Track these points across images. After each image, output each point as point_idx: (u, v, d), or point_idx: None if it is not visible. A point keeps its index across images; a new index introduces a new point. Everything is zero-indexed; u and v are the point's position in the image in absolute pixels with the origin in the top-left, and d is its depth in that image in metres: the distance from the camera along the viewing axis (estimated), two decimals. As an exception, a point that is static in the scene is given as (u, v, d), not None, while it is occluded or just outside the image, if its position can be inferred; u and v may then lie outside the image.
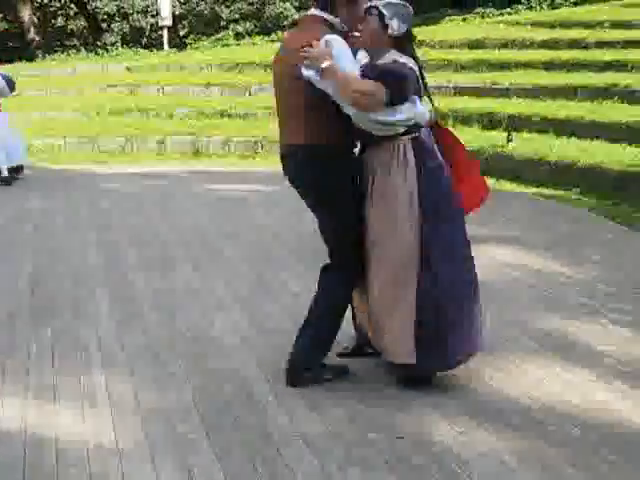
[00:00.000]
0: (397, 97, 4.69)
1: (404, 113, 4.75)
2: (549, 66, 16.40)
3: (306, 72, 4.66)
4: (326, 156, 4.87)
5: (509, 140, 12.49)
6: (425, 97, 5.06)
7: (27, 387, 4.96)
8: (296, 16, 31.09)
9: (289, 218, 9.28)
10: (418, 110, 4.84)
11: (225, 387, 4.90)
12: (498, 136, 13.05)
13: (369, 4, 4.84)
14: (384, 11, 4.76)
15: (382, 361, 5.08)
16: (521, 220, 9.31)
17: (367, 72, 4.72)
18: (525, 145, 12.39)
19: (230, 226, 9.21)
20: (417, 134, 4.90)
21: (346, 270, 5.06)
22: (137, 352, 5.50)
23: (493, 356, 5.28)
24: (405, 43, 4.90)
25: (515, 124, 13.37)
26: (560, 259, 7.58)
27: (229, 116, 17.39)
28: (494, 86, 15.88)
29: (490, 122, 14.07)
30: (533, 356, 5.29)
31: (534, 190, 11.14)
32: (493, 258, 7.65)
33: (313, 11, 4.95)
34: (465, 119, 14.50)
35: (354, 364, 5.17)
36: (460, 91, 16.30)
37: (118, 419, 4.51)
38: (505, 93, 15.50)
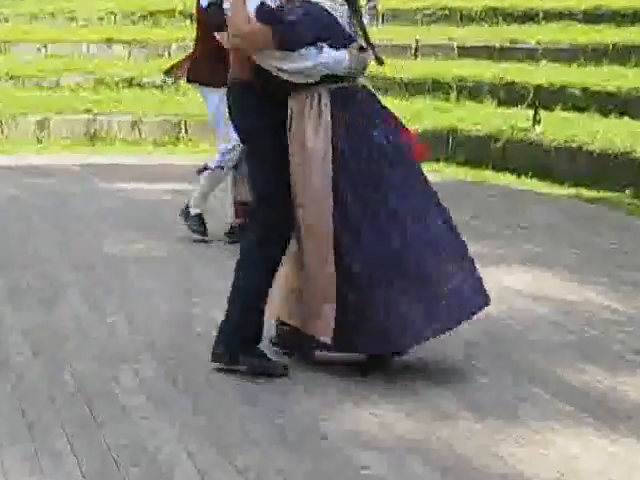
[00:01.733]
0: (285, 42, 5.75)
1: (308, 61, 5.80)
2: (591, 18, 16.51)
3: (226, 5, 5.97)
4: (242, 93, 6.08)
5: (536, 121, 12.57)
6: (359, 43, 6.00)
7: None
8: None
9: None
10: (325, 59, 5.81)
11: (130, 470, 4.90)
12: (520, 115, 13.15)
13: None
14: None
15: (355, 433, 5.14)
16: (547, 232, 9.40)
17: (259, 14, 5.80)
18: (558, 129, 12.48)
19: (144, 243, 9.24)
20: (340, 84, 5.93)
21: (258, 238, 6.11)
22: (6, 418, 5.49)
23: (510, 423, 5.33)
24: None
25: (544, 99, 13.46)
26: (600, 287, 7.65)
27: (140, 86, 17.35)
28: (514, 45, 15.97)
29: (509, 96, 14.16)
30: (564, 422, 5.33)
31: (570, 191, 11.24)
32: (505, 285, 7.72)
33: None
34: (474, 91, 14.60)
35: (314, 437, 5.21)
36: (467, 52, 16.38)
37: None
38: (531, 55, 15.59)
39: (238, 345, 6.12)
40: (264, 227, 6.08)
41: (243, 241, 6.45)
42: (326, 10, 5.81)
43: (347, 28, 5.93)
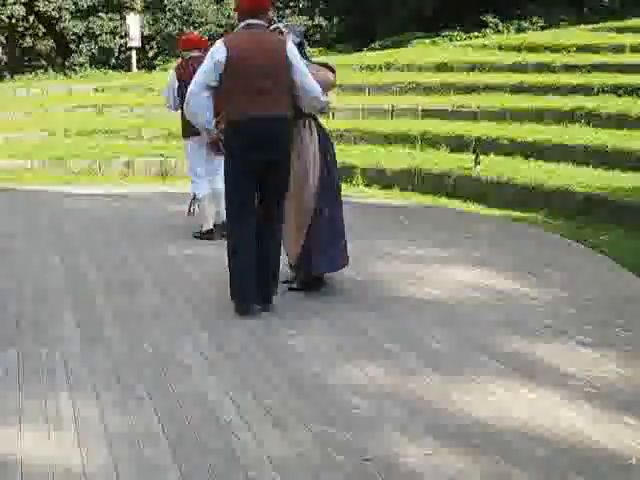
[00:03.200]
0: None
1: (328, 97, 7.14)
2: (516, 89, 16.57)
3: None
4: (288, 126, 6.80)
5: (477, 163, 12.57)
6: None
7: (-8, 410, 4.93)
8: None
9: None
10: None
11: (191, 411, 4.88)
12: (466, 159, 13.15)
13: (275, 26, 7.15)
14: (283, 29, 7.16)
15: (349, 385, 5.12)
16: (486, 242, 9.36)
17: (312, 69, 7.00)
18: (492, 168, 12.49)
19: (193, 249, 9.20)
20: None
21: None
22: (103, 375, 5.47)
23: (458, 378, 5.31)
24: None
25: (482, 147, 13.48)
26: (525, 281, 7.62)
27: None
28: (462, 109, 15.99)
29: (458, 145, 14.17)
30: (499, 378, 5.30)
31: (501, 213, 11.22)
32: (457, 280, 7.68)
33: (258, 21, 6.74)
34: (433, 142, 14.60)
35: (320, 387, 5.18)
36: (428, 114, 16.40)
37: (84, 443, 4.46)
38: (473, 116, 15.62)
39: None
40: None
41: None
42: None
43: None
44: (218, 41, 6.72)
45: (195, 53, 9.81)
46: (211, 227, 9.77)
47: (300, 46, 7.16)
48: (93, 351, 5.92)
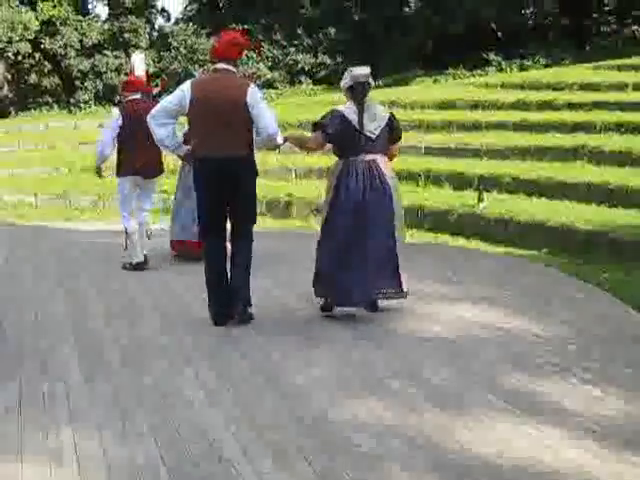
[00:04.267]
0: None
1: None
2: (519, 127, 16.64)
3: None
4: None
5: (480, 200, 12.60)
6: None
7: (-8, 443, 4.92)
8: (269, 76, 31.55)
9: (266, 280, 9.28)
10: None
11: (192, 443, 4.86)
12: (469, 196, 13.18)
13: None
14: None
15: (351, 419, 5.11)
16: (489, 279, 9.34)
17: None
18: (495, 205, 12.52)
19: (200, 281, 9.16)
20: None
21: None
22: (104, 407, 5.45)
23: (461, 414, 5.28)
24: (347, 95, 7.60)
25: (485, 184, 13.50)
26: (528, 317, 7.59)
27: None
28: (465, 146, 16.05)
29: (461, 182, 14.20)
30: (502, 414, 5.27)
31: (504, 250, 11.22)
32: (461, 316, 7.65)
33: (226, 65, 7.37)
34: (436, 179, 14.65)
35: (322, 421, 5.16)
36: (431, 151, 16.48)
37: (84, 477, 4.45)
38: (476, 154, 15.68)
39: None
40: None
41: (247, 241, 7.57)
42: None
43: None
44: (187, 81, 7.51)
45: (137, 96, 10.23)
46: (142, 259, 10.17)
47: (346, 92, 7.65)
48: (95, 384, 5.92)
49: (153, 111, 7.47)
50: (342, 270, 7.42)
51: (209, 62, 33.29)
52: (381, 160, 7.54)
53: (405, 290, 7.64)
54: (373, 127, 7.47)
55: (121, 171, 10.09)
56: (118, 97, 10.95)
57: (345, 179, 7.49)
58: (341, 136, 7.45)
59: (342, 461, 4.61)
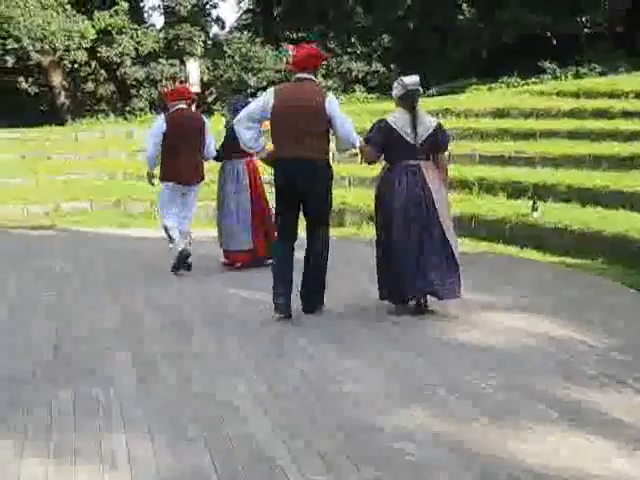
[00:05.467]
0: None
1: None
2: (574, 135, 16.52)
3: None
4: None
5: (534, 209, 12.54)
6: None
7: (48, 447, 4.99)
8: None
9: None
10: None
11: (243, 453, 4.90)
12: (522, 205, 13.11)
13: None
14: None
15: (400, 429, 5.13)
16: (539, 288, 9.31)
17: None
18: (549, 214, 12.44)
19: (250, 293, 9.29)
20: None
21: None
22: (156, 415, 5.52)
23: (510, 424, 5.27)
24: (398, 103, 8.07)
25: (540, 193, 13.44)
26: (577, 326, 7.55)
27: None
28: (519, 155, 15.97)
29: (515, 191, 14.14)
30: (550, 424, 5.25)
31: (558, 259, 11.16)
32: (508, 325, 7.65)
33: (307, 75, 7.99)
34: (490, 188, 14.59)
35: (371, 431, 5.18)
36: (485, 160, 16.41)
37: (136, 482, 4.53)
38: (530, 162, 15.60)
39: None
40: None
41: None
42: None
43: None
44: (271, 88, 8.21)
45: (182, 105, 10.52)
46: (176, 262, 10.40)
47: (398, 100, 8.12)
48: (146, 391, 5.99)
49: (239, 116, 8.11)
50: (394, 266, 7.95)
51: (263, 71, 33.58)
52: (425, 165, 7.96)
53: (460, 290, 8.11)
54: (420, 134, 7.90)
55: (163, 177, 10.48)
56: (162, 105, 11.06)
57: (390, 182, 8.00)
58: (387, 143, 7.96)
59: (391, 471, 4.62)
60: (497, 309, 8.27)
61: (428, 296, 8.11)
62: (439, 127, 8.07)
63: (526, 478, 4.51)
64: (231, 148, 10.39)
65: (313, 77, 8.05)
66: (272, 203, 9.51)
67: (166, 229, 10.46)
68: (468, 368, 6.41)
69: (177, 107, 10.47)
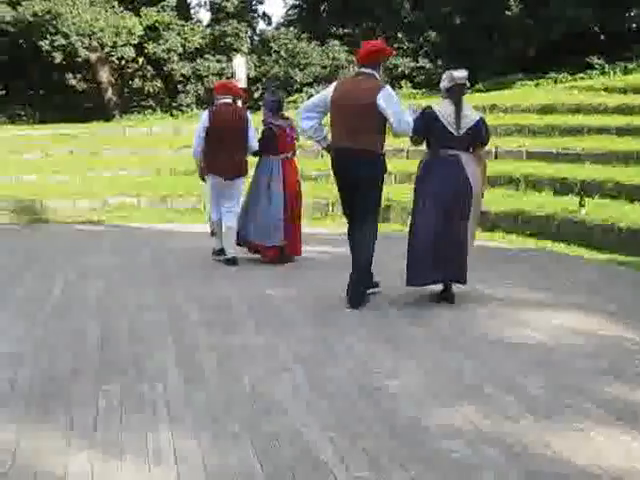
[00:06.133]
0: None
1: None
2: (622, 131, 16.35)
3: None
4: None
5: (581, 205, 12.44)
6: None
7: (94, 442, 5.03)
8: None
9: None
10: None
11: (288, 449, 4.91)
12: (570, 201, 13.01)
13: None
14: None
15: (444, 427, 5.10)
16: (585, 286, 9.25)
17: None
18: (597, 211, 12.34)
19: (293, 289, 9.31)
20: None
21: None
22: (201, 411, 5.54)
23: (556, 422, 5.23)
24: (445, 95, 8.38)
25: (587, 189, 13.32)
26: (624, 325, 7.50)
27: (301, 177, 17.48)
28: (566, 151, 15.85)
29: (562, 187, 14.04)
30: (598, 424, 5.21)
31: (606, 257, 11.06)
32: (555, 324, 7.60)
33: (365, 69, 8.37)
34: (537, 184, 14.51)
35: (415, 429, 5.16)
36: (532, 156, 16.30)
37: (182, 477, 4.54)
38: (577, 158, 15.48)
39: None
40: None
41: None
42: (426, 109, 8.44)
43: None
44: (334, 82, 8.77)
45: (228, 100, 10.65)
46: (222, 246, 10.93)
47: (444, 92, 8.48)
48: (192, 386, 6.01)
49: (302, 106, 8.76)
50: (413, 249, 8.29)
51: (309, 66, 33.57)
52: (464, 156, 8.25)
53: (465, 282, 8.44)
54: (462, 126, 8.20)
55: (208, 171, 10.72)
56: (209, 99, 11.14)
57: (428, 168, 8.36)
58: (430, 130, 8.31)
59: (436, 469, 4.61)
60: (545, 307, 8.21)
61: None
62: (481, 121, 8.36)
63: (574, 477, 4.48)
64: (266, 145, 10.73)
65: (374, 72, 8.35)
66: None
67: (211, 220, 11.05)
68: (516, 366, 6.37)
69: (222, 101, 10.62)
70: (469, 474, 4.54)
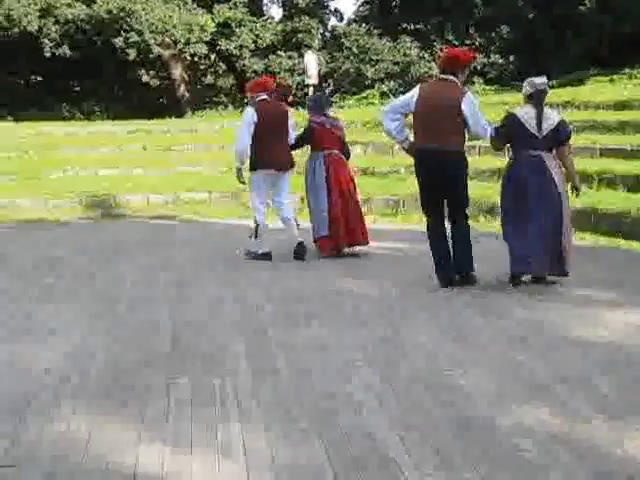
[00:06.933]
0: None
1: None
2: (698, 128, 16.05)
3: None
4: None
5: (655, 203, 12.24)
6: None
7: (165, 435, 5.07)
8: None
9: (422, 279, 9.27)
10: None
11: (358, 446, 4.89)
12: (644, 199, 12.82)
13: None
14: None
15: (516, 427, 5.05)
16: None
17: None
18: (672, 209, 12.13)
19: (363, 284, 9.30)
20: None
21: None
22: (271, 407, 5.55)
23: (629, 423, 5.14)
24: (527, 100, 8.86)
25: (662, 187, 13.11)
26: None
27: (372, 174, 17.51)
28: (641, 148, 15.60)
29: (636, 184, 13.82)
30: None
31: (680, 255, 10.88)
32: (629, 323, 7.48)
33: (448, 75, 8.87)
34: (610, 181, 14.29)
35: (487, 428, 5.11)
36: (605, 153, 16.07)
37: (252, 474, 4.54)
38: (652, 155, 15.21)
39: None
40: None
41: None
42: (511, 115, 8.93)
43: None
44: (418, 85, 9.18)
45: (265, 96, 10.78)
46: (267, 250, 10.92)
47: (526, 97, 8.92)
48: (263, 382, 6.03)
49: (386, 107, 9.18)
50: (517, 239, 8.72)
51: (380, 62, 33.53)
52: (546, 156, 8.73)
53: (567, 272, 8.87)
54: (543, 128, 8.65)
55: (255, 166, 10.79)
56: (246, 96, 11.23)
57: (513, 168, 8.88)
58: (512, 134, 8.83)
59: (505, 468, 4.56)
60: (620, 306, 8.08)
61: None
62: (562, 122, 8.80)
63: (646, 480, 4.41)
64: (305, 140, 11.36)
65: (454, 78, 8.83)
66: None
67: (257, 224, 10.98)
68: (588, 365, 6.28)
69: (261, 98, 10.78)
70: (537, 474, 4.48)
